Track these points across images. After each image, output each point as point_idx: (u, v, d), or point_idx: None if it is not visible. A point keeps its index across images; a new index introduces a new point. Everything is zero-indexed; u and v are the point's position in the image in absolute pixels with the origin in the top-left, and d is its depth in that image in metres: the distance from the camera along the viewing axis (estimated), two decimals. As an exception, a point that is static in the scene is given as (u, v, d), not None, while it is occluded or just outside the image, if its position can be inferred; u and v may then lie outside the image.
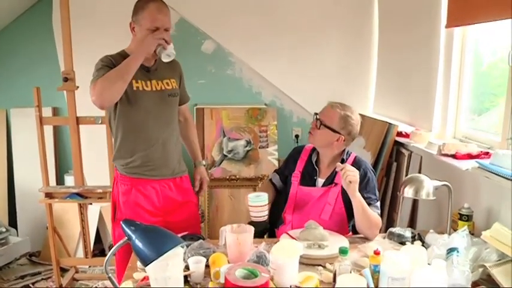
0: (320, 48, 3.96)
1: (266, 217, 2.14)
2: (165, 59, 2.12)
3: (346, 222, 2.28)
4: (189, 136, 2.57)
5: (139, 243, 1.35)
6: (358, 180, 2.04)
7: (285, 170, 2.39)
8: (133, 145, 2.24)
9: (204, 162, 2.58)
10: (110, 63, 2.10)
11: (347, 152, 2.29)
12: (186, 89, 2.50)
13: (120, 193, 2.31)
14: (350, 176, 2.00)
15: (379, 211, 2.23)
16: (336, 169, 2.07)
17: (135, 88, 2.15)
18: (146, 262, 1.32)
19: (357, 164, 2.22)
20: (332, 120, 2.18)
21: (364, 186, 2.18)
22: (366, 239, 2.17)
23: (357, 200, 2.06)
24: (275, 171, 2.51)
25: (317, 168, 2.28)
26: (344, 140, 2.22)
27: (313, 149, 2.35)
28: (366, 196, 2.14)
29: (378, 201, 2.25)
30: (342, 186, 2.17)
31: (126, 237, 1.38)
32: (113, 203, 2.37)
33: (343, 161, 2.22)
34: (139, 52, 2.06)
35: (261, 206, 2.13)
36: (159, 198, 2.29)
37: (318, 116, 2.22)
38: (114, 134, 2.29)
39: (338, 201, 2.24)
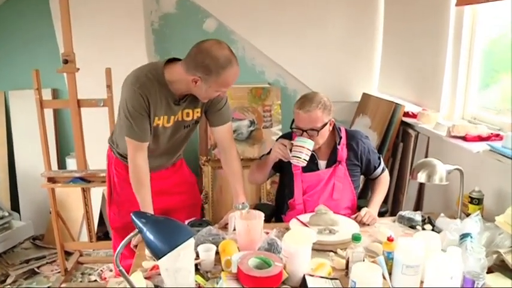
0: (324, 25, 3.87)
1: (305, 162, 2.10)
2: None
3: (355, 195, 2.33)
4: (231, 172, 2.19)
5: (150, 236, 1.31)
6: (377, 218, 2.19)
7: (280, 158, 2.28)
8: None
9: (240, 207, 2.06)
10: (144, 109, 1.94)
11: (338, 130, 2.28)
12: (226, 108, 2.15)
13: (114, 175, 2.28)
14: (372, 221, 2.15)
15: (383, 165, 2.39)
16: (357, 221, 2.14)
17: (155, 124, 2.01)
18: (159, 255, 1.29)
19: (351, 138, 2.30)
20: (321, 120, 2.12)
21: (367, 155, 2.30)
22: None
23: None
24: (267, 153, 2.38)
25: (314, 153, 2.23)
26: (333, 120, 2.22)
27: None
28: (372, 162, 2.32)
29: (379, 158, 2.38)
30: (346, 162, 2.26)
31: (137, 230, 1.34)
32: (108, 183, 2.35)
33: (339, 142, 2.25)
34: None
35: (306, 148, 2.08)
36: (155, 182, 2.17)
37: (305, 128, 2.12)
38: (118, 137, 2.19)
39: (346, 178, 2.27)
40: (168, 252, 1.28)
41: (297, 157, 2.08)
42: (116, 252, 1.34)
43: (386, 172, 2.43)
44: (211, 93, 1.91)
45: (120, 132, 2.10)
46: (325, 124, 2.14)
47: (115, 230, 2.39)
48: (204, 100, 2.01)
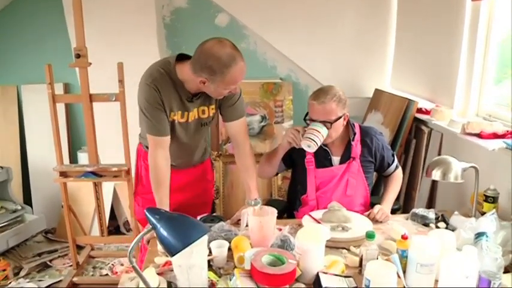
0: (336, 20, 3.85)
1: (316, 147, 2.04)
2: None
3: (368, 192, 2.32)
4: (245, 168, 2.18)
5: (164, 233, 1.30)
6: (390, 215, 2.18)
7: (292, 153, 2.28)
8: None
9: (253, 203, 2.07)
10: (158, 102, 1.94)
11: (352, 126, 2.26)
12: (240, 103, 2.13)
13: (142, 167, 2.32)
14: (385, 219, 2.14)
15: (397, 163, 2.39)
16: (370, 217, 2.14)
17: (171, 119, 2.02)
18: (172, 252, 1.28)
19: (365, 134, 2.28)
20: (335, 112, 2.09)
21: (381, 151, 2.30)
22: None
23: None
24: None
25: (327, 149, 2.23)
26: (348, 115, 2.19)
27: None
28: (386, 158, 2.31)
29: (393, 155, 2.38)
30: (360, 158, 2.24)
31: (151, 226, 1.34)
32: (136, 176, 2.40)
33: (353, 138, 2.23)
34: None
35: (321, 133, 2.03)
36: (179, 178, 2.25)
37: (318, 120, 2.08)
38: (142, 133, 2.22)
39: (360, 174, 2.26)
40: (182, 249, 1.27)
41: (310, 138, 2.02)
42: (130, 249, 1.33)
43: (400, 170, 2.41)
44: (220, 91, 1.91)
45: (143, 130, 2.14)
46: (339, 118, 2.11)
47: (140, 222, 2.46)
48: (216, 97, 2.01)
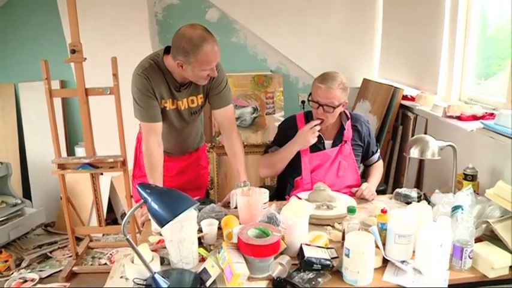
0: (324, 12, 3.94)
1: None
2: None
3: (359, 174, 2.43)
4: (233, 153, 2.28)
5: (155, 206, 1.40)
6: (375, 194, 2.31)
7: (286, 140, 2.39)
8: None
9: (242, 185, 2.14)
10: (148, 90, 2.06)
11: (344, 111, 2.38)
12: (226, 92, 2.23)
13: (140, 152, 2.41)
14: (371, 196, 2.27)
15: (379, 154, 2.55)
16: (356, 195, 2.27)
17: (162, 106, 2.13)
18: (162, 223, 1.37)
19: (355, 120, 2.42)
20: (339, 99, 2.21)
21: (368, 138, 2.44)
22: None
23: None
24: (274, 144, 2.49)
25: (320, 133, 2.33)
26: (347, 102, 2.30)
27: (306, 116, 2.41)
28: (371, 145, 2.45)
29: (377, 145, 2.55)
30: (351, 142, 2.37)
31: (142, 200, 1.43)
32: (134, 160, 2.52)
33: (346, 122, 2.35)
34: None
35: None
36: (174, 165, 2.40)
37: (322, 103, 2.20)
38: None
39: (351, 156, 2.38)
40: (172, 219, 1.36)
41: None
42: (124, 221, 1.42)
43: (381, 161, 2.55)
44: (198, 73, 1.99)
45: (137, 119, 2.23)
46: (341, 104, 2.23)
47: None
48: (200, 82, 2.09)
